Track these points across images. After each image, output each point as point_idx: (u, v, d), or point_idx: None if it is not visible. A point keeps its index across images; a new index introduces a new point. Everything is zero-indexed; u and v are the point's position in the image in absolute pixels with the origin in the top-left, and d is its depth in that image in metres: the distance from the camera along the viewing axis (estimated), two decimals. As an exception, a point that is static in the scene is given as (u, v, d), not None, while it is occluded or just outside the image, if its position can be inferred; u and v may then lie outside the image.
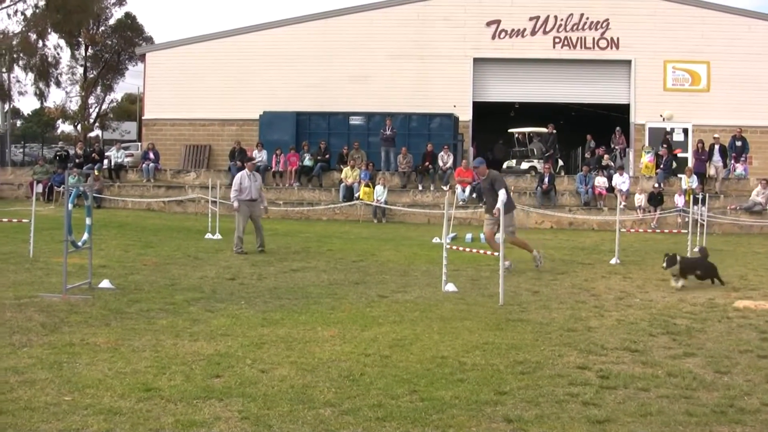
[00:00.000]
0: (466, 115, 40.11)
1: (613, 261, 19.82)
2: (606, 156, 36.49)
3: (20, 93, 64.20)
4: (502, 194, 16.92)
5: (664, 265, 16.01)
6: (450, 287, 14.90)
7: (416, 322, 11.91)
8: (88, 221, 14.46)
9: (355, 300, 13.79)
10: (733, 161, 36.10)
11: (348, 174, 34.43)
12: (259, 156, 36.66)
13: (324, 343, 10.41)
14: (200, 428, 7.20)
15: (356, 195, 33.20)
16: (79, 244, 14.19)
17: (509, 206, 17.42)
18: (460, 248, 17.88)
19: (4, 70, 62.06)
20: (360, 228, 28.75)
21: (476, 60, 40.55)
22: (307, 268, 17.68)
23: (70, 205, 13.70)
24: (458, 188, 33.30)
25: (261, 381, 8.63)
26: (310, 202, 33.85)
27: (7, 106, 64.38)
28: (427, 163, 35.90)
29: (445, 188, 32.94)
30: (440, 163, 35.90)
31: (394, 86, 39.64)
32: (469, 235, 25.11)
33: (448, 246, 15.63)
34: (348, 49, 40.40)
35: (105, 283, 14.31)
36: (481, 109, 41.05)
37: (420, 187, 35.34)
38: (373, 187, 32.98)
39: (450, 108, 39.04)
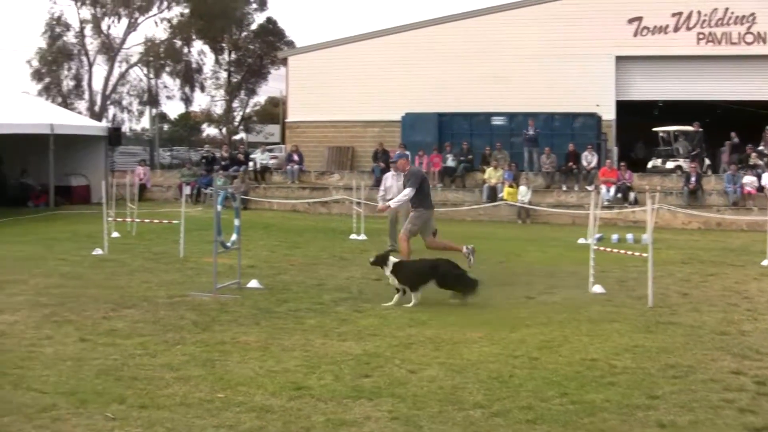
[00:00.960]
0: (609, 114, 39.50)
1: (765, 263, 19.24)
2: (754, 154, 35.50)
3: (168, 98, 65.77)
4: (406, 191, 16.22)
5: None
6: (597, 289, 14.70)
7: (564, 324, 11.79)
8: (236, 222, 14.73)
9: (502, 301, 13.72)
10: None
11: (491, 174, 34.30)
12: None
13: (472, 344, 10.37)
14: (350, 427, 7.25)
15: (500, 195, 33.05)
16: (228, 244, 14.46)
17: (418, 204, 16.33)
18: (607, 249, 17.61)
19: (152, 76, 63.64)
20: (504, 229, 28.60)
21: (618, 58, 39.91)
22: (454, 269, 17.63)
23: (219, 207, 13.97)
24: (603, 188, 32.86)
25: (410, 381, 8.65)
26: (453, 203, 33.78)
27: (154, 111, 66.01)
28: (570, 163, 35.52)
29: (589, 188, 32.47)
30: (584, 163, 35.49)
31: (536, 86, 39.26)
32: (615, 236, 24.72)
33: (595, 247, 15.44)
34: (489, 48, 40.18)
35: (253, 283, 14.54)
36: (624, 108, 40.41)
37: (564, 188, 35.00)
38: (517, 188, 32.79)
39: (593, 107, 38.51)
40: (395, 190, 20.55)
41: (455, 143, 37.38)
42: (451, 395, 8.19)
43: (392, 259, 13.70)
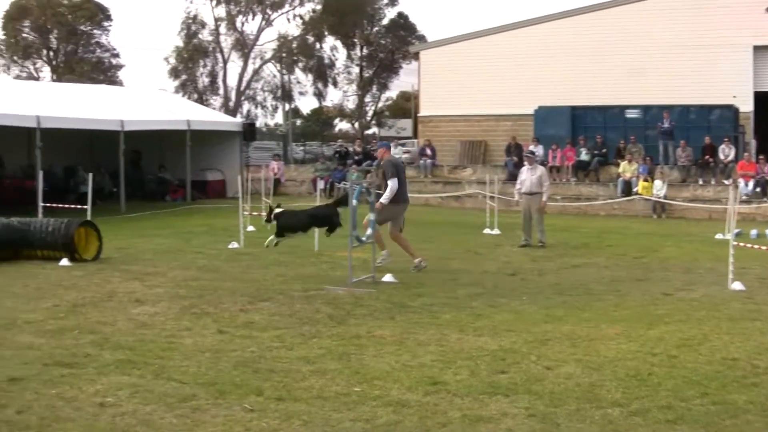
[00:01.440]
0: (746, 106, 38.46)
1: None
2: None
3: (300, 93, 66.53)
4: (390, 184, 15.82)
5: None
6: (737, 286, 14.34)
7: (703, 322, 11.52)
8: (371, 217, 14.79)
9: (639, 297, 13.49)
10: None
11: (625, 168, 33.83)
12: (536, 151, 36.54)
13: (609, 341, 10.21)
14: (487, 424, 7.20)
15: (634, 190, 32.60)
16: (363, 238, 14.54)
17: (398, 198, 16.07)
18: (746, 245, 17.18)
19: (285, 72, 64.43)
20: (639, 223, 28.19)
21: (756, 48, 38.83)
22: (587, 264, 17.46)
23: (354, 201, 14.06)
24: (741, 182, 32.10)
25: (546, 378, 8.56)
26: (587, 198, 33.44)
27: (288, 107, 66.82)
28: (707, 157, 34.78)
29: (726, 182, 31.77)
30: (721, 157, 34.71)
31: (670, 78, 38.46)
32: (754, 231, 24.13)
33: (734, 243, 15.08)
34: (622, 40, 39.51)
35: (388, 277, 14.57)
36: (763, 99, 39.35)
37: (700, 182, 34.29)
38: (652, 182, 32.28)
39: (730, 99, 37.59)
40: (529, 184, 20.44)
41: (589, 137, 36.97)
42: (588, 393, 8.07)
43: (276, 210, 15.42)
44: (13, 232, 16.68)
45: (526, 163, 21.21)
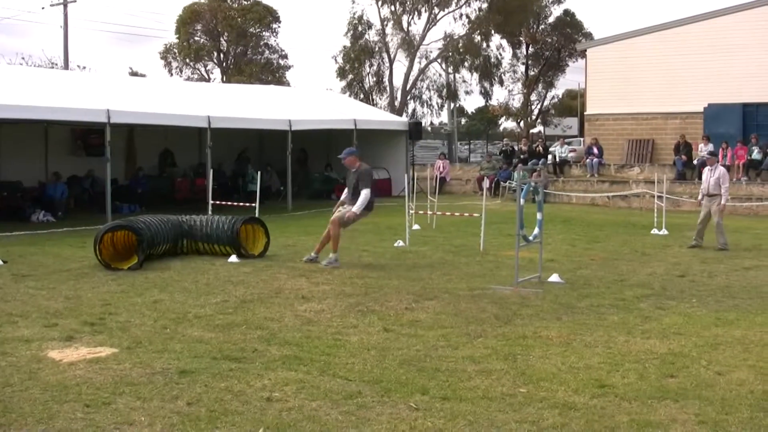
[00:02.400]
0: None
1: None
2: None
3: (466, 92, 66.53)
4: (365, 193, 15.99)
5: None
6: None
7: None
8: (539, 216, 14.73)
9: (818, 302, 13.05)
10: None
11: (801, 167, 32.79)
12: (706, 150, 35.71)
13: (783, 347, 9.92)
14: (656, 429, 7.06)
15: (810, 189, 31.58)
16: (530, 238, 14.47)
17: (369, 206, 16.33)
18: None
19: (450, 71, 64.53)
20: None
21: None
22: (760, 266, 16.93)
23: (522, 200, 13.99)
24: None
25: (718, 384, 8.34)
26: (758, 198, 32.47)
27: (453, 106, 66.93)
28: None
29: None
30: None
31: None
32: None
33: None
34: (796, 34, 38.36)
35: (554, 278, 14.45)
36: None
37: None
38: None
39: None
40: (707, 186, 19.95)
41: (761, 134, 35.90)
42: (762, 401, 7.83)
43: None
44: (183, 228, 17.15)
45: (707, 164, 20.71)
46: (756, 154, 34.59)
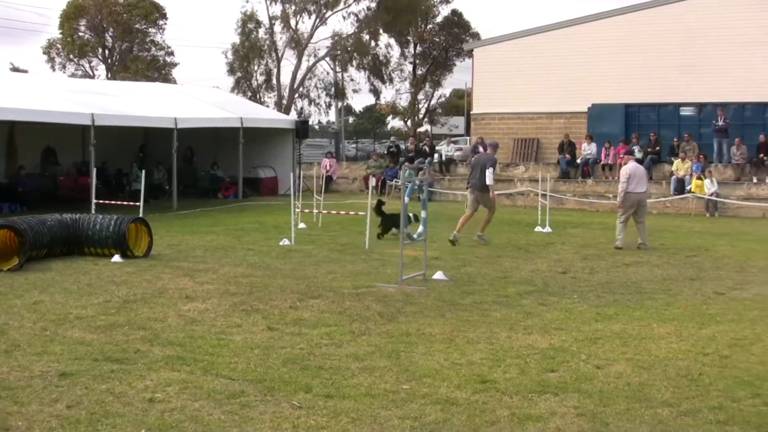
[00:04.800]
0: (803, 103, 38.03)
1: None
2: None
3: (354, 91, 66.79)
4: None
5: None
6: (792, 285, 14.23)
7: (756, 322, 11.41)
8: (423, 214, 14.80)
9: (690, 296, 13.39)
10: None
11: (679, 166, 33.56)
12: (589, 149, 36.41)
13: (659, 340, 10.16)
14: (536, 422, 7.18)
15: (688, 188, 32.33)
16: (415, 236, 14.56)
17: None
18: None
19: (339, 69, 64.62)
20: (692, 222, 27.92)
21: (815, 44, 38.35)
22: (639, 262, 17.32)
23: (406, 199, 14.07)
24: (797, 181, 31.75)
25: (596, 377, 8.52)
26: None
27: (341, 104, 67.01)
28: (762, 155, 34.42)
29: (782, 181, 31.45)
30: (777, 154, 34.36)
31: (726, 75, 37.99)
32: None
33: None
34: (678, 37, 39.08)
35: (439, 275, 14.56)
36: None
37: (755, 180, 33.92)
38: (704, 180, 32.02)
39: (786, 96, 37.17)
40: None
41: (642, 134, 36.70)
42: (638, 392, 8.03)
43: None
44: (66, 229, 16.85)
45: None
46: (637, 154, 35.23)
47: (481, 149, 38.02)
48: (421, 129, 67.90)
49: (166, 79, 63.76)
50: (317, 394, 7.83)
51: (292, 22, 60.80)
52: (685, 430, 7.07)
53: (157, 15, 67.26)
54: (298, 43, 60.67)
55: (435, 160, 39.45)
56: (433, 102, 70.72)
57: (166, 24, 68.39)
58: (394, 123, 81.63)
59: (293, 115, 54.17)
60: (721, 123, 35.68)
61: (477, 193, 20.57)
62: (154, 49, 68.63)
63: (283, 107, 59.83)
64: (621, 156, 33.93)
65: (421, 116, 69.16)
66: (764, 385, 8.30)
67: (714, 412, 7.46)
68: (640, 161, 33.44)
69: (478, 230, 20.43)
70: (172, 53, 69.50)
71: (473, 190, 20.72)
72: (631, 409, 7.54)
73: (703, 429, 7.08)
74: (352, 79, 66.26)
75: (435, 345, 9.74)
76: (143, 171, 22.99)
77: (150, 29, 67.85)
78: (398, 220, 16.22)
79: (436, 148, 42.61)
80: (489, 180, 20.14)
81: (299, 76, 62.11)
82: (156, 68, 66.91)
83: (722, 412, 7.47)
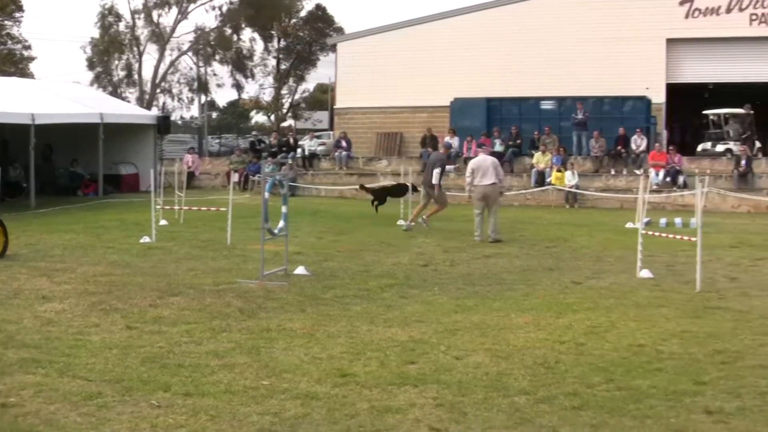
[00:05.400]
0: (659, 97, 39.08)
1: (816, 246, 19.08)
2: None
3: (218, 85, 66.24)
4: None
5: None
6: (645, 273, 14.61)
7: (611, 309, 11.72)
8: (283, 209, 14.75)
9: (549, 286, 13.67)
10: None
11: (539, 159, 34.17)
12: (451, 143, 36.75)
13: (518, 330, 10.34)
14: (395, 414, 7.23)
15: (548, 180, 32.94)
16: (275, 231, 14.51)
17: None
18: (655, 233, 17.46)
19: (201, 64, 64.02)
20: (552, 213, 28.46)
21: (669, 40, 39.48)
22: (500, 254, 17.59)
23: (266, 194, 14.02)
24: (652, 172, 32.61)
25: (455, 368, 8.62)
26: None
27: (204, 99, 66.41)
28: (619, 147, 35.30)
29: (638, 172, 32.19)
30: (633, 147, 35.26)
31: (585, 69, 38.90)
32: (663, 220, 24.55)
33: (643, 231, 15.33)
34: (539, 32, 39.84)
35: (300, 270, 14.55)
36: (674, 91, 39.99)
37: (612, 172, 34.77)
38: (565, 172, 32.67)
39: (643, 90, 38.18)
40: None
41: (504, 128, 37.27)
42: (496, 381, 8.16)
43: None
44: None
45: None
46: (498, 147, 35.78)
47: (344, 143, 38.29)
48: (285, 124, 67.71)
49: (24, 73, 62.19)
50: (176, 393, 7.75)
51: (154, 16, 60.06)
52: (541, 416, 7.20)
53: (14, 7, 65.52)
54: (160, 37, 59.96)
55: (298, 155, 39.41)
56: (296, 97, 70.58)
57: (22, 17, 66.68)
58: (258, 118, 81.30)
59: (155, 111, 53.41)
60: (580, 116, 36.52)
61: (428, 189, 22.24)
62: (10, 42, 66.86)
63: (145, 102, 59.04)
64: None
65: (284, 111, 68.96)
66: (617, 371, 8.53)
67: (569, 398, 7.63)
68: (501, 154, 34.19)
69: (425, 215, 22.13)
70: (29, 47, 67.82)
71: (425, 186, 22.46)
72: (489, 398, 7.65)
73: (558, 415, 7.22)
74: (215, 74, 65.82)
75: (295, 340, 9.74)
76: (-1, 169, 22.42)
77: (6, 22, 66.09)
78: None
79: (299, 142, 42.53)
80: (435, 179, 21.73)
81: (161, 71, 61.39)
82: (12, 62, 65.14)
83: (577, 398, 7.64)
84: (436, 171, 21.68)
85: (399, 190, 25.76)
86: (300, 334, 10.05)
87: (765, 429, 6.94)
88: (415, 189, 23.41)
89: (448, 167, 24.10)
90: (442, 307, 11.77)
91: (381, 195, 25.97)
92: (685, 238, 15.55)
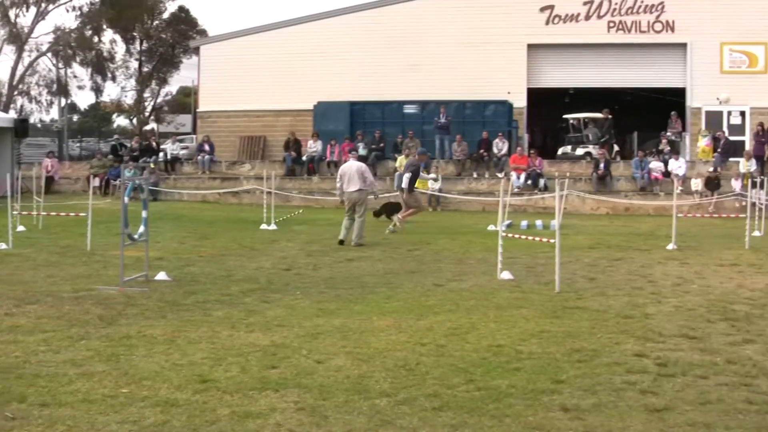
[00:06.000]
0: (520, 101, 39.82)
1: (670, 246, 19.64)
2: (664, 140, 36.28)
3: (78, 88, 64.99)
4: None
5: None
6: (506, 275, 14.84)
7: (472, 311, 11.86)
8: (143, 214, 14.56)
9: (411, 289, 13.77)
10: (792, 143, 35.59)
11: (402, 163, 34.36)
12: (314, 146, 36.82)
13: (379, 332, 10.39)
14: (256, 419, 7.19)
15: (411, 184, 33.17)
16: (136, 236, 14.31)
17: None
18: (516, 236, 17.77)
19: (61, 65, 62.72)
20: (415, 216, 28.65)
21: (530, 46, 40.27)
22: (362, 257, 17.68)
23: (126, 198, 13.82)
24: (513, 175, 33.18)
25: (317, 371, 8.62)
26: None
27: (64, 102, 65.09)
28: (482, 151, 35.82)
29: (500, 175, 32.74)
30: (495, 151, 35.84)
31: (448, 74, 39.42)
32: (524, 222, 24.99)
33: (504, 234, 15.57)
34: (402, 37, 40.23)
35: (161, 276, 14.38)
36: (535, 95, 40.77)
37: (475, 175, 35.26)
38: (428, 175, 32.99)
39: (504, 95, 38.82)
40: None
41: (367, 132, 37.47)
42: (357, 384, 8.18)
43: None
44: None
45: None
46: (362, 150, 35.89)
47: (207, 147, 37.99)
48: (148, 127, 66.86)
49: None
50: (32, 403, 7.56)
51: (11, 15, 58.52)
52: (401, 418, 7.23)
53: None
54: (18, 38, 58.44)
55: (160, 159, 38.97)
56: (159, 100, 69.79)
57: None
58: (120, 121, 79.99)
59: (12, 114, 52.11)
60: (443, 120, 36.98)
61: (401, 193, 24.12)
62: None
63: (2, 105, 57.52)
64: (346, 153, 34.72)
65: (147, 114, 68.10)
66: (477, 371, 8.63)
67: (430, 400, 7.68)
68: (364, 158, 34.29)
69: (401, 215, 23.54)
70: None
71: (399, 191, 24.56)
72: (350, 400, 7.66)
73: (419, 416, 7.27)
74: (75, 76, 64.44)
75: (156, 347, 9.61)
76: None
77: None
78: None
79: (162, 146, 42.06)
80: (404, 183, 23.63)
81: (19, 73, 59.85)
82: None
83: (437, 399, 7.70)
84: (406, 176, 23.44)
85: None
86: (160, 340, 9.92)
87: (619, 424, 7.10)
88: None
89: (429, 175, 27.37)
90: (304, 311, 11.76)
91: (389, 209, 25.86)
92: (545, 239, 15.82)
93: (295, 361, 9.04)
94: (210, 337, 10.10)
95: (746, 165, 33.26)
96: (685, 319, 11.37)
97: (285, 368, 8.75)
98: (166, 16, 65.89)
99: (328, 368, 8.74)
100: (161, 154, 39.76)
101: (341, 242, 19.74)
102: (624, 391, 8.01)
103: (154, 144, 40.57)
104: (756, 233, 22.12)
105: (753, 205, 23.21)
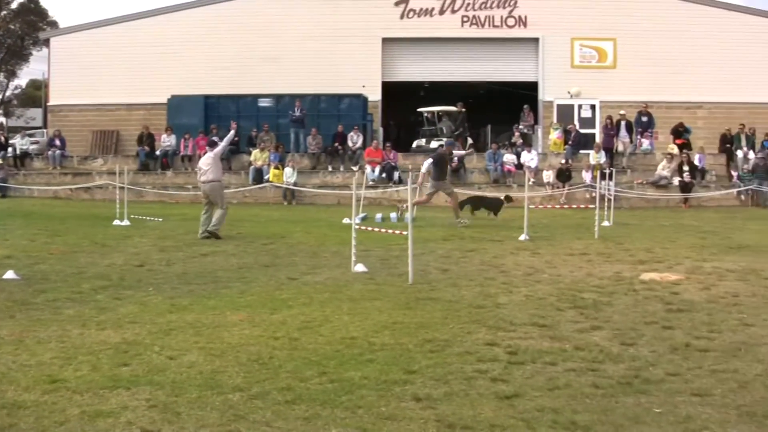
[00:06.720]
0: (375, 95, 40.13)
1: (522, 237, 20.02)
2: (517, 134, 36.98)
3: None
4: None
5: None
6: (360, 268, 14.92)
7: (325, 304, 11.91)
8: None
9: (265, 283, 13.75)
10: (639, 136, 36.74)
11: (257, 156, 34.39)
12: (168, 140, 36.44)
13: (233, 327, 10.35)
14: (107, 418, 7.10)
15: (266, 177, 33.15)
16: (-17, 234, 13.98)
17: None
18: (370, 228, 17.90)
19: None
20: (270, 210, 28.69)
21: (385, 40, 40.60)
22: (216, 252, 17.59)
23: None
24: (368, 168, 33.43)
25: (169, 368, 8.55)
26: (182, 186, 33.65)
27: None
28: (337, 144, 35.95)
29: (354, 168, 32.91)
30: (350, 144, 36.00)
31: (303, 67, 39.53)
32: (378, 215, 25.19)
33: (357, 226, 15.67)
34: (257, 30, 40.16)
35: (9, 274, 14.03)
36: (390, 89, 41.08)
37: (330, 168, 35.38)
38: (283, 169, 32.95)
39: (359, 89, 39.04)
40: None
41: (222, 125, 37.17)
42: (210, 380, 8.14)
43: None
44: None
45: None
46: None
47: (58, 142, 37.25)
48: (-4, 121, 65.31)
49: None
50: None
51: None
52: (254, 412, 7.23)
53: None
54: None
55: (9, 154, 38.06)
56: (8, 93, 68.15)
57: None
58: (-33, 115, 77.92)
59: None
60: (297, 114, 36.99)
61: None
62: None
63: None
64: (201, 147, 34.47)
65: (-5, 108, 66.51)
66: (330, 364, 8.67)
67: (283, 393, 7.69)
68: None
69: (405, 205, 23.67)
70: None
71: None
72: (203, 396, 7.63)
73: (272, 410, 7.27)
74: None
75: (3, 347, 9.37)
76: None
77: None
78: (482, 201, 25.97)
79: (10, 141, 41.08)
80: (423, 168, 24.46)
81: None
82: None
83: (290, 392, 7.72)
84: (427, 163, 24.16)
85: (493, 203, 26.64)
86: (8, 341, 9.68)
87: (471, 412, 7.22)
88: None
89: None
90: (157, 308, 11.65)
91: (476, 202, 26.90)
92: (398, 232, 15.97)
93: (147, 358, 8.95)
94: (60, 336, 9.92)
95: (596, 157, 34.17)
96: (536, 308, 11.63)
97: (137, 366, 8.65)
98: (14, 6, 64.39)
99: (180, 364, 8.68)
100: (10, 149, 38.87)
101: (206, 236, 19.63)
102: (475, 379, 8.15)
103: (2, 139, 39.57)
104: (605, 223, 22.79)
105: (602, 196, 23.86)
